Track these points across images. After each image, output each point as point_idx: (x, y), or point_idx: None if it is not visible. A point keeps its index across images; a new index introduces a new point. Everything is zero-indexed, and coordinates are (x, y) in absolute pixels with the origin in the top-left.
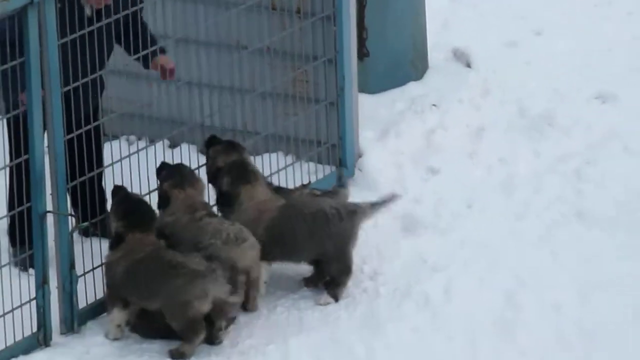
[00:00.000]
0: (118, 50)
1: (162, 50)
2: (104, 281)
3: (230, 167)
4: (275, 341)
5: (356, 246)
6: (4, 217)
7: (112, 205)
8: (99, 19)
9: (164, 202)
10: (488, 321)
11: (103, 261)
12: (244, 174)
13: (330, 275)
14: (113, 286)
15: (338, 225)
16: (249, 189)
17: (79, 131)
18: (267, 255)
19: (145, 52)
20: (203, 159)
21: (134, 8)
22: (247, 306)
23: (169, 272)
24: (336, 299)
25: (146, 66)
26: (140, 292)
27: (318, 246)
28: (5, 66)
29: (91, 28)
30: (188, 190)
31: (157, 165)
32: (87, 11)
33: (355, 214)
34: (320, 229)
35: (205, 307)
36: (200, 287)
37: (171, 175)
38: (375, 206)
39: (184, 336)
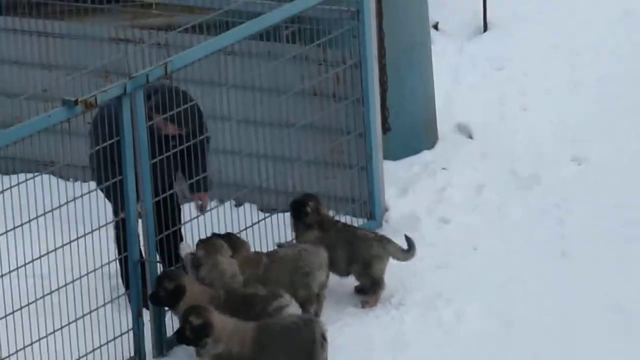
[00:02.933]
0: None
1: (206, 188)
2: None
3: None
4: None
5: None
6: (106, 263)
7: None
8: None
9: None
10: (491, 340)
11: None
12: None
13: None
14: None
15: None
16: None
17: (164, 195)
18: None
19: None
20: (262, 215)
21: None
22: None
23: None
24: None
25: (191, 191)
26: None
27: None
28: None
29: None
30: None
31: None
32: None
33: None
34: None
35: None
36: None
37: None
38: None
39: None
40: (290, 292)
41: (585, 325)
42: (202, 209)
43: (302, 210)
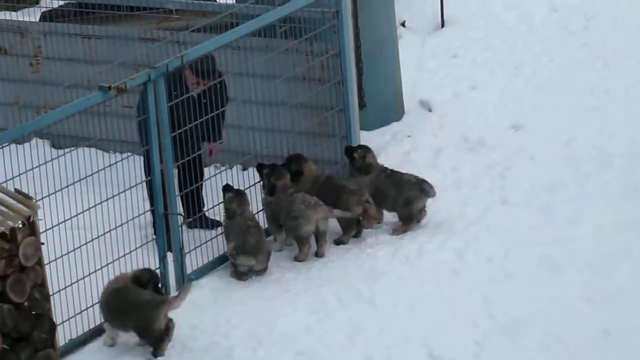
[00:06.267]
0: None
1: (220, 140)
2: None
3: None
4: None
5: None
6: (137, 216)
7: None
8: (199, 98)
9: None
10: (445, 270)
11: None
12: None
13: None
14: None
15: None
16: None
17: (184, 160)
18: None
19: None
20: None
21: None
22: (317, 252)
23: None
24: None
25: (208, 140)
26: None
27: None
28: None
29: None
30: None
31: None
32: (193, 93)
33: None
34: None
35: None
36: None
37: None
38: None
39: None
40: None
41: (517, 257)
42: (211, 155)
43: (351, 156)
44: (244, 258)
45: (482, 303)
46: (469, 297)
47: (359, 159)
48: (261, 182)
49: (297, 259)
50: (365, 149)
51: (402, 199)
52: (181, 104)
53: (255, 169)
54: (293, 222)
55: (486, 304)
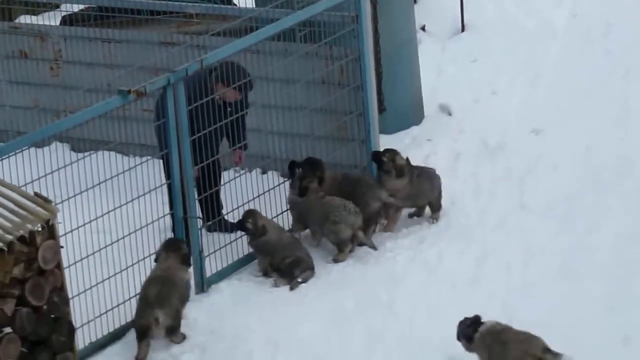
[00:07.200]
0: None
1: (245, 146)
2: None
3: None
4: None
5: None
6: (156, 219)
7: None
8: (225, 107)
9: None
10: (465, 276)
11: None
12: None
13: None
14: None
15: None
16: None
17: (202, 164)
18: None
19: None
20: (282, 180)
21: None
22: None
23: None
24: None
25: (232, 146)
26: None
27: None
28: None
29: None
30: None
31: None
32: (219, 101)
33: None
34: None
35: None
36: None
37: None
38: None
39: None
40: None
41: (536, 264)
42: (238, 163)
43: (379, 160)
44: (308, 273)
45: (501, 310)
46: (488, 304)
47: (388, 162)
48: (291, 180)
49: (337, 260)
50: (393, 152)
51: (438, 192)
52: (203, 108)
53: (274, 172)
54: (333, 227)
55: (505, 311)
